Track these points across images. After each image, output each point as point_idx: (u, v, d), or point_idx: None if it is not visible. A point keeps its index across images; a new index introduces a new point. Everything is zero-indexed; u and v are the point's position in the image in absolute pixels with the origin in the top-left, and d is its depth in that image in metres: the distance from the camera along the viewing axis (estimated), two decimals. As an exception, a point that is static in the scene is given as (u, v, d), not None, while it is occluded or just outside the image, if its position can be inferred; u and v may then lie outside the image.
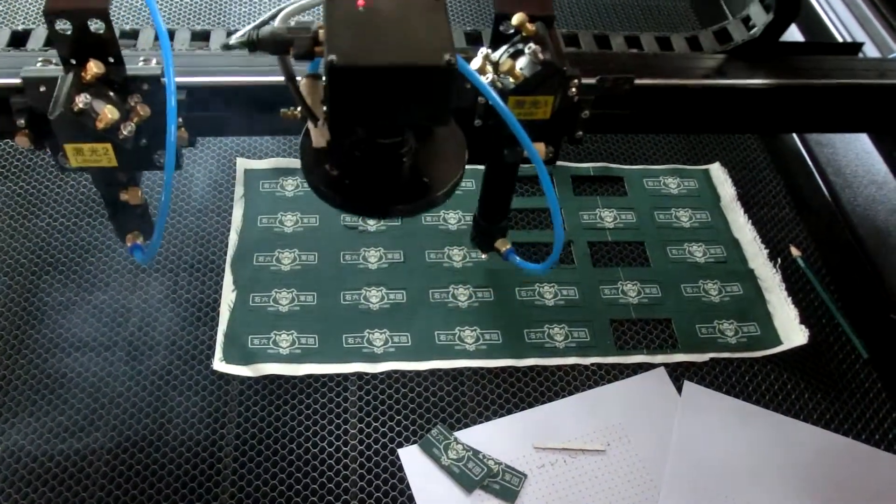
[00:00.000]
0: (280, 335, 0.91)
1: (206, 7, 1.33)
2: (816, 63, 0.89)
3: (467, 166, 0.70)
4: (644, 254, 1.03)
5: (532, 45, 0.66)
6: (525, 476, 0.82)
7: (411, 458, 0.83)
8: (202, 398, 0.86)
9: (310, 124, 0.63)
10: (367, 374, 0.89)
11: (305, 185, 1.06)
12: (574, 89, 0.69)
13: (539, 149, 0.70)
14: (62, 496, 0.78)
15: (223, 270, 0.96)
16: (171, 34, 0.87)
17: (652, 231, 1.06)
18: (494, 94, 0.60)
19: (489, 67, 0.66)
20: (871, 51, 1.09)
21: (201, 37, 0.88)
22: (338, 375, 0.88)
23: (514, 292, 0.97)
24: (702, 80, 0.86)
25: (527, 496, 0.81)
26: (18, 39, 0.86)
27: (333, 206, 0.68)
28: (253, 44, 0.60)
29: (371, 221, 1.02)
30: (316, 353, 0.90)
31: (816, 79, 0.87)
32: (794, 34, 1.22)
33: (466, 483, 0.81)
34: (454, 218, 1.04)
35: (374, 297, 0.95)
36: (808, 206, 1.11)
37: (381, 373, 0.89)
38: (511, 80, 0.65)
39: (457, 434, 0.84)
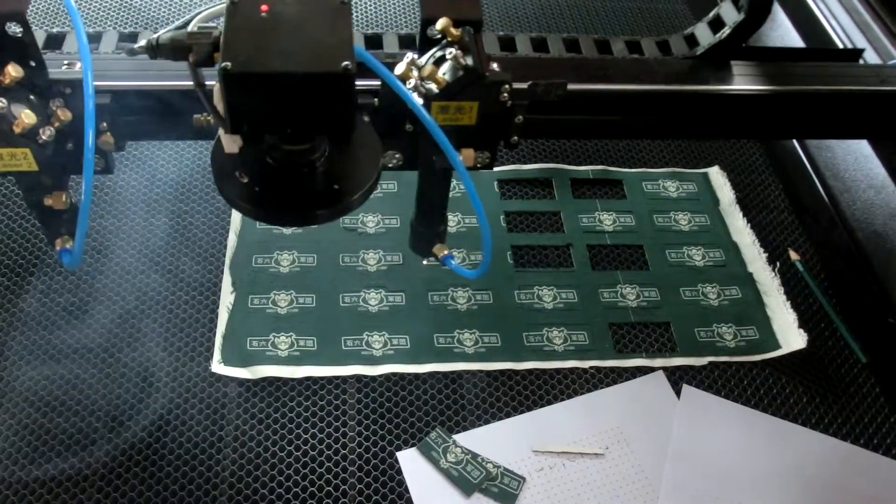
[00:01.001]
0: (279, 337, 0.91)
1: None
2: (816, 70, 0.89)
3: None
4: (643, 257, 1.03)
5: (452, 49, 0.65)
6: (524, 479, 0.82)
7: (410, 461, 0.83)
8: (200, 400, 0.85)
9: (221, 131, 0.62)
10: (365, 376, 0.89)
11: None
12: (506, 94, 0.68)
13: (467, 154, 0.70)
14: (59, 498, 0.78)
15: (222, 272, 0.96)
16: (98, 37, 0.87)
17: (651, 234, 1.06)
18: (414, 99, 0.60)
19: (414, 73, 0.65)
20: (871, 57, 1.10)
21: (129, 39, 0.87)
22: (336, 378, 0.88)
23: (513, 295, 0.97)
24: (659, 85, 0.86)
25: (525, 500, 0.81)
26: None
27: (242, 213, 0.66)
28: (153, 49, 0.60)
29: (370, 223, 1.02)
30: (315, 355, 0.90)
31: (815, 85, 0.87)
32: (795, 40, 1.22)
33: (465, 486, 0.81)
34: (453, 220, 1.04)
35: (373, 300, 0.95)
36: (806, 210, 1.11)
37: (380, 375, 0.89)
38: (434, 85, 0.64)
39: (455, 437, 0.84)
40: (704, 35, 0.92)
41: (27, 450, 0.81)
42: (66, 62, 0.69)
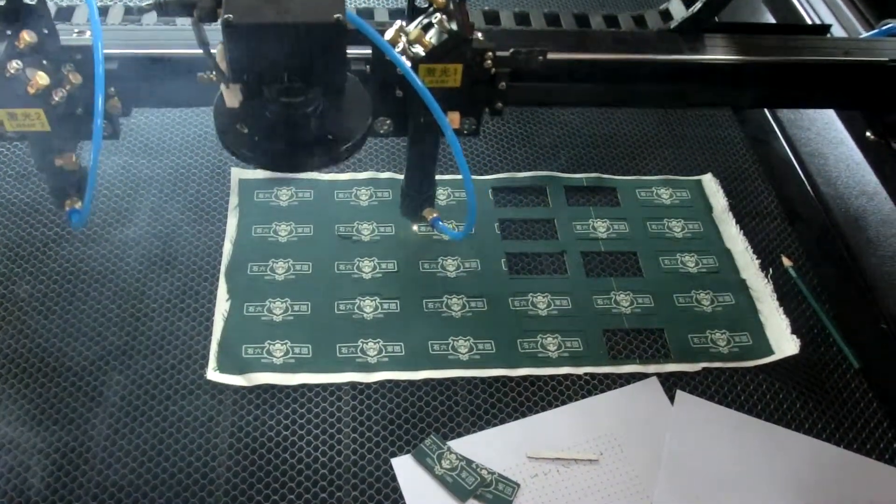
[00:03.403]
0: (274, 344, 0.91)
1: None
2: (784, 42, 0.93)
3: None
4: (637, 264, 1.04)
5: (437, 14, 0.71)
6: (518, 485, 0.82)
7: (404, 468, 0.83)
8: (195, 407, 0.86)
9: (222, 86, 0.68)
10: (360, 383, 0.89)
11: (300, 194, 1.06)
12: (489, 61, 0.73)
13: (453, 117, 0.75)
14: (54, 506, 0.78)
15: (217, 280, 0.96)
16: (105, 10, 0.93)
17: (644, 241, 1.06)
18: (402, 61, 0.65)
19: (402, 38, 0.71)
20: (838, 32, 1.13)
21: (135, 13, 0.93)
22: (331, 385, 0.89)
23: (507, 302, 0.97)
24: (618, 54, 0.90)
25: (520, 506, 0.81)
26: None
27: (243, 160, 0.73)
28: (160, 6, 0.65)
29: (365, 231, 1.03)
30: (310, 362, 0.90)
31: (783, 56, 0.91)
32: (765, 16, 1.24)
33: (460, 492, 0.81)
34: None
35: (368, 307, 0.95)
36: (799, 217, 1.12)
37: (375, 382, 0.89)
38: (420, 49, 0.70)
39: (450, 443, 0.85)
40: (678, 10, 0.96)
41: (22, 457, 0.81)
42: (76, 30, 0.75)
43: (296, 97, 0.69)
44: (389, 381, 0.89)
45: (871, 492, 0.85)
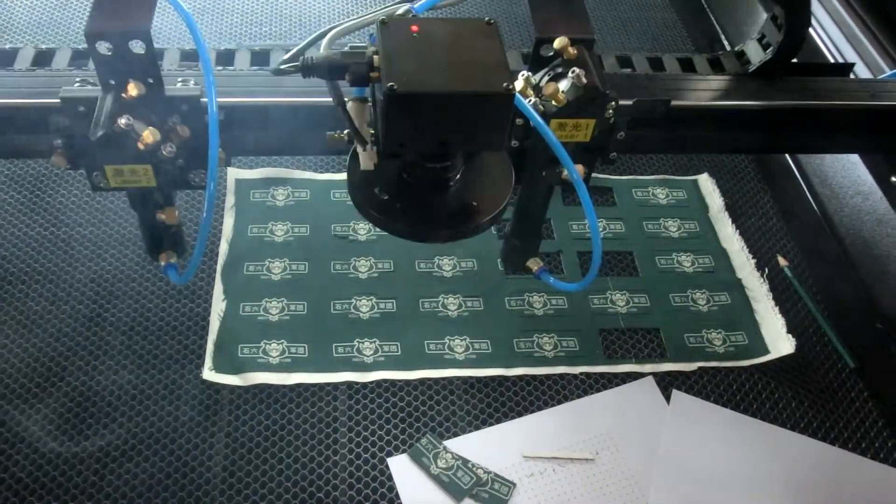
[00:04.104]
0: (270, 344, 0.91)
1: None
2: (807, 84, 0.89)
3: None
4: (633, 263, 1.04)
5: (575, 68, 0.66)
6: (514, 485, 0.82)
7: (401, 467, 0.83)
8: (192, 407, 0.86)
9: (358, 147, 0.63)
10: (356, 383, 0.89)
11: (296, 194, 1.06)
12: (611, 111, 0.69)
13: (579, 170, 0.71)
14: (50, 506, 0.78)
15: (213, 280, 0.96)
16: (190, 54, 0.87)
17: (641, 241, 1.06)
18: (538, 118, 0.62)
19: (530, 90, 0.67)
20: (862, 71, 1.11)
21: (226, 58, 0.88)
22: (328, 384, 0.89)
23: (503, 302, 0.98)
24: (728, 101, 0.87)
25: (516, 505, 0.81)
26: (41, 58, 0.85)
27: (384, 229, 0.69)
28: (307, 69, 0.61)
29: (361, 231, 1.03)
30: (306, 362, 0.90)
31: (807, 100, 0.87)
32: None
33: (456, 492, 0.81)
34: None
35: (364, 307, 0.96)
36: (795, 217, 1.12)
37: (371, 382, 0.89)
38: (554, 103, 0.66)
39: (446, 443, 0.85)
40: (756, 53, 0.92)
41: (19, 459, 0.81)
42: (180, 79, 0.70)
43: (441, 162, 0.65)
44: (385, 380, 0.89)
45: (866, 491, 0.86)
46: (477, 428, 0.87)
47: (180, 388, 0.87)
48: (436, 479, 0.82)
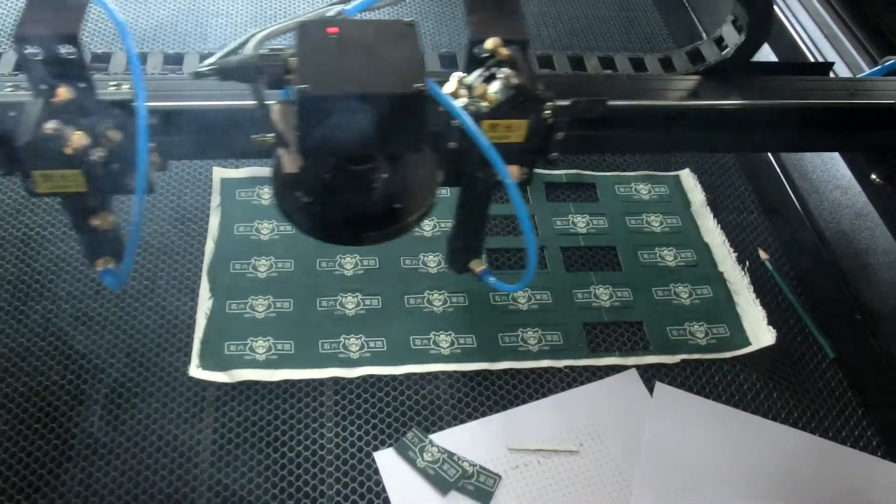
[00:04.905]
0: (256, 341, 0.91)
1: (180, 28, 1.34)
2: (787, 83, 0.89)
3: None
4: (616, 258, 1.05)
5: (505, 69, 0.66)
6: (499, 477, 0.83)
7: (387, 461, 0.84)
8: (179, 404, 0.86)
9: (281, 150, 0.63)
10: (342, 378, 0.90)
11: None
12: (548, 112, 0.69)
13: (513, 171, 0.70)
14: (36, 503, 0.78)
15: (199, 278, 0.97)
16: (144, 58, 0.86)
17: (624, 236, 1.08)
18: (468, 118, 0.61)
19: (463, 91, 0.66)
20: (842, 70, 1.12)
21: (174, 60, 0.87)
22: (314, 380, 0.89)
23: (488, 297, 0.98)
24: (675, 101, 0.86)
25: (501, 497, 0.82)
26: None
27: (304, 232, 0.69)
28: (224, 72, 0.61)
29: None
30: (292, 358, 0.90)
31: (787, 99, 0.87)
32: (766, 54, 1.24)
33: (441, 485, 0.82)
34: (429, 224, 1.05)
35: (350, 303, 0.96)
36: (775, 211, 1.14)
37: (357, 377, 0.90)
38: (485, 103, 0.65)
39: (432, 437, 0.85)
40: (710, 52, 0.92)
41: (6, 458, 0.81)
42: (113, 83, 0.69)
43: (363, 164, 0.65)
44: (371, 375, 0.90)
45: (846, 478, 0.87)
46: (462, 421, 0.87)
47: (167, 385, 0.87)
48: (422, 472, 0.83)
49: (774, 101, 0.87)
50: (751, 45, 0.87)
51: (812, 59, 1.16)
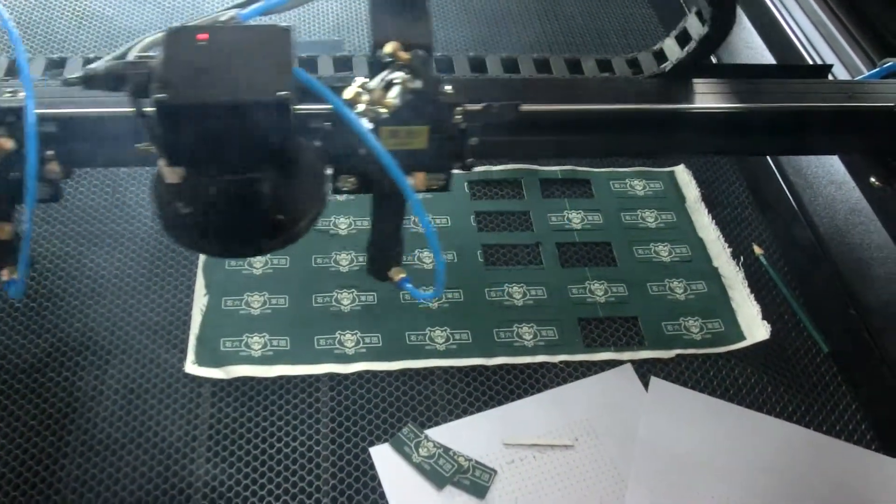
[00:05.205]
0: (252, 337, 0.92)
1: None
2: (784, 86, 0.89)
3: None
4: (611, 254, 1.06)
5: (401, 74, 0.63)
6: (495, 472, 0.83)
7: (383, 457, 0.84)
8: (174, 401, 0.86)
9: (161, 161, 0.61)
10: (338, 374, 0.90)
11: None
12: (459, 116, 0.68)
13: (419, 178, 0.70)
14: (32, 500, 0.78)
15: (195, 275, 0.97)
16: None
17: (618, 232, 1.08)
18: (360, 124, 0.59)
19: (364, 97, 0.63)
20: (840, 72, 1.12)
21: (57, 65, 0.84)
22: (310, 376, 0.89)
23: (483, 293, 0.99)
24: (629, 104, 0.85)
25: (497, 491, 0.82)
26: None
27: (182, 245, 0.66)
28: (89, 80, 0.58)
29: (342, 225, 1.04)
30: (288, 354, 0.91)
31: (783, 102, 0.86)
32: (765, 56, 1.25)
33: (437, 480, 0.82)
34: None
35: (346, 300, 0.96)
36: (769, 206, 1.14)
37: (353, 373, 0.90)
38: (383, 110, 0.63)
39: (427, 432, 0.86)
40: (673, 50, 0.91)
41: (2, 455, 0.81)
42: (8, 90, 0.67)
43: (241, 174, 0.61)
44: (367, 371, 0.90)
45: (840, 472, 0.87)
46: (458, 417, 0.88)
47: (163, 381, 0.88)
48: (418, 467, 0.83)
49: (773, 104, 0.86)
50: (712, 43, 0.85)
51: (810, 61, 1.16)
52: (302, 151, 0.66)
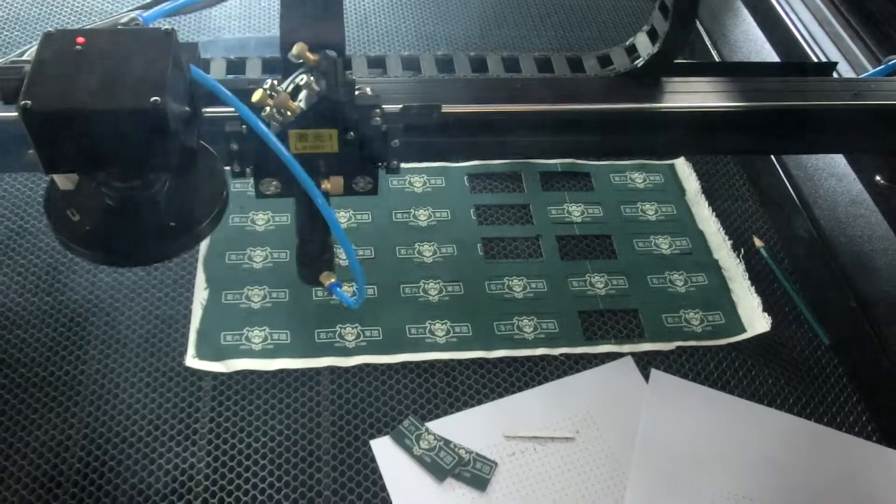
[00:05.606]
0: (252, 331, 0.92)
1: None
2: (788, 85, 0.87)
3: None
4: (611, 247, 1.05)
5: (305, 76, 0.62)
6: (496, 464, 0.83)
7: (384, 449, 0.84)
8: (175, 394, 0.86)
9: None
10: (339, 367, 0.90)
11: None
12: (378, 118, 0.67)
13: (336, 182, 0.68)
14: (35, 493, 0.78)
15: (195, 269, 0.97)
16: None
17: (619, 224, 1.08)
18: (263, 128, 0.58)
19: (270, 100, 0.61)
20: (845, 70, 1.11)
21: None
22: (310, 370, 0.89)
23: (483, 286, 0.99)
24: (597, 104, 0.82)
25: (497, 484, 0.82)
26: None
27: (74, 254, 0.64)
28: None
29: (341, 219, 1.04)
30: (288, 348, 0.91)
31: (787, 101, 0.85)
32: (770, 54, 1.24)
33: (438, 472, 0.82)
34: (424, 215, 1.05)
35: (346, 293, 0.96)
36: (770, 199, 1.14)
37: (353, 366, 0.90)
38: (288, 113, 0.61)
39: (428, 424, 0.86)
40: (644, 46, 0.87)
41: (2, 448, 0.81)
42: None
43: (130, 181, 0.60)
44: (368, 364, 0.90)
45: (842, 464, 0.87)
46: (458, 409, 0.88)
47: (164, 375, 0.88)
48: (419, 459, 0.83)
49: (777, 103, 0.85)
50: (676, 40, 0.81)
51: (815, 59, 1.16)
52: (197, 153, 0.64)
